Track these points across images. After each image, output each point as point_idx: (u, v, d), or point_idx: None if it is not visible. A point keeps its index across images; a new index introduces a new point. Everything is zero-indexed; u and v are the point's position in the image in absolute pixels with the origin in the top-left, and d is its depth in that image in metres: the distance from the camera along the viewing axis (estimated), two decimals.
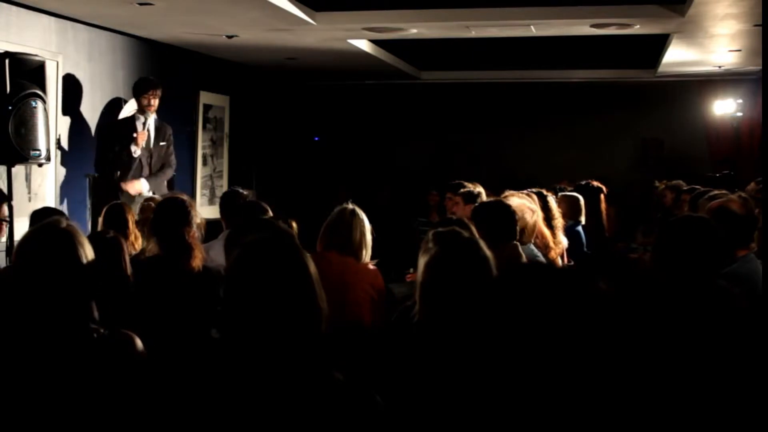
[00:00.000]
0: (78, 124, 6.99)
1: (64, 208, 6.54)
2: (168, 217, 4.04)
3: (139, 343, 2.40)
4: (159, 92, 6.98)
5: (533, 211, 4.93)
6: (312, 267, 2.07)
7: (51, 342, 2.31)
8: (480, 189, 6.35)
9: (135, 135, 6.86)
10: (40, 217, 4.32)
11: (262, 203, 4.88)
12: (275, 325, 1.98)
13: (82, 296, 2.36)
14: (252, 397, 1.97)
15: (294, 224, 4.50)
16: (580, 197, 6.60)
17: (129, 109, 7.53)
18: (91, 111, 7.18)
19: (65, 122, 6.73)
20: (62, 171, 6.70)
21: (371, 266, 4.24)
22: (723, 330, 2.93)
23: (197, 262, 3.94)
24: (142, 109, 6.95)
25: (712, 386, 2.82)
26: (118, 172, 6.83)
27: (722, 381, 2.83)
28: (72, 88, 6.85)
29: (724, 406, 2.80)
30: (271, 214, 4.66)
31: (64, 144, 6.76)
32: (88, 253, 2.40)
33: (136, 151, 6.87)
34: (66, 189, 6.76)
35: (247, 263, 2.05)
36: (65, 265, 2.35)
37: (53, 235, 2.38)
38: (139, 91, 6.99)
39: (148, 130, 6.94)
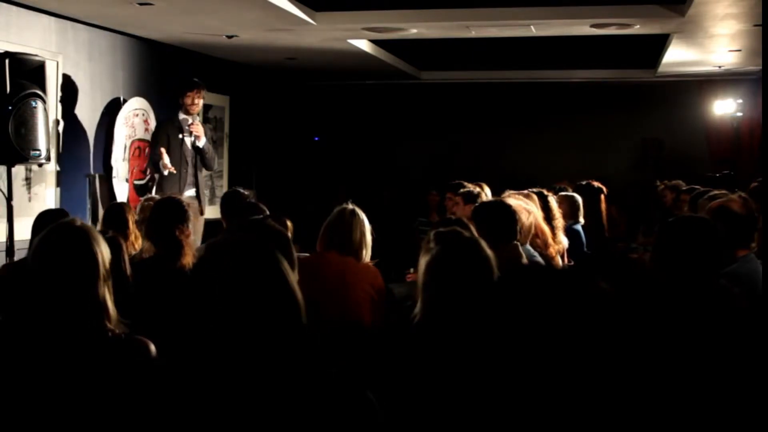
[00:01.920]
0: (78, 124, 6.99)
1: (63, 208, 6.53)
2: (160, 216, 4.04)
3: (153, 349, 2.38)
4: (203, 93, 7.36)
5: (529, 213, 4.93)
6: (285, 264, 2.06)
7: (62, 339, 2.30)
8: (485, 189, 6.35)
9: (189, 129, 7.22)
10: (45, 217, 4.31)
11: (261, 205, 4.88)
12: (249, 322, 1.99)
13: (98, 294, 2.35)
14: (236, 393, 1.97)
15: (289, 223, 4.47)
16: (579, 197, 6.61)
17: (128, 108, 7.52)
18: (91, 111, 7.18)
19: (65, 122, 6.73)
20: (62, 171, 6.70)
21: (371, 266, 4.24)
22: (723, 330, 2.93)
23: (188, 259, 3.94)
24: (186, 110, 7.25)
25: (713, 386, 2.82)
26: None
27: (722, 381, 2.83)
28: (72, 88, 6.84)
29: (724, 405, 2.80)
30: (267, 213, 4.65)
31: (64, 144, 6.76)
32: (104, 251, 2.40)
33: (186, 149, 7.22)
34: (66, 189, 6.75)
35: (207, 266, 2.06)
36: (83, 263, 2.34)
37: (71, 234, 2.37)
38: (183, 89, 7.29)
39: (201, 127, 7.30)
